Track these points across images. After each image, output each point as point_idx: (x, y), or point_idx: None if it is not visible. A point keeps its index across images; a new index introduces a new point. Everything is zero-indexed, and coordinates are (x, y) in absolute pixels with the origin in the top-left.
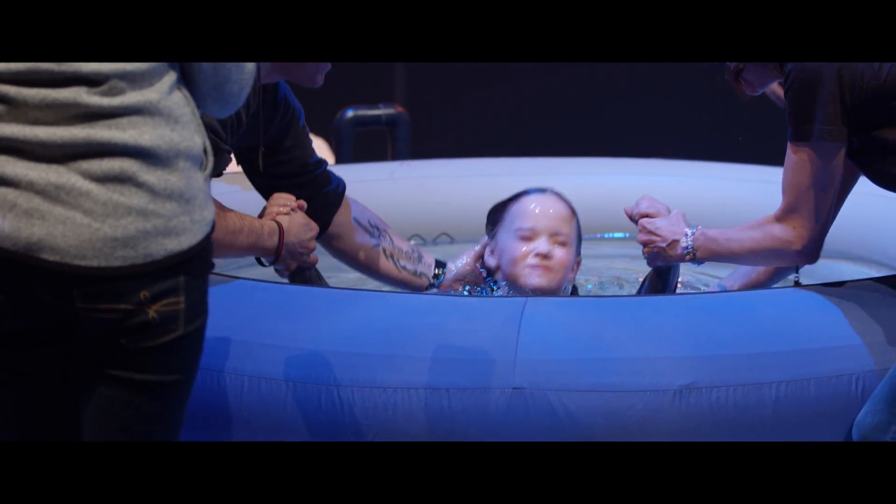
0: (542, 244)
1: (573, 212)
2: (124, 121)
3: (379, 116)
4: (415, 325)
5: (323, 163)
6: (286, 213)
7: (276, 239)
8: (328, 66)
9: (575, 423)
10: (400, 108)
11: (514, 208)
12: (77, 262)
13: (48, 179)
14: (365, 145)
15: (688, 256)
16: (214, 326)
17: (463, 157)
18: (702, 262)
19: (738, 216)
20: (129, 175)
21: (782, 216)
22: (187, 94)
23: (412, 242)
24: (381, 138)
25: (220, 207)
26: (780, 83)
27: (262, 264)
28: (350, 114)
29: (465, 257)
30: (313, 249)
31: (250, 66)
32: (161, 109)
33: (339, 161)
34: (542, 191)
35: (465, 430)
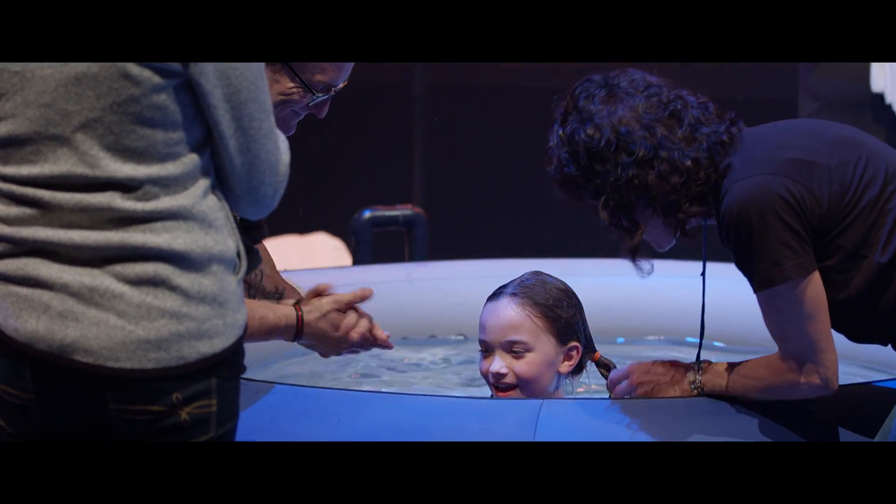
0: (495, 363)
1: (536, 306)
2: (158, 225)
3: (396, 217)
4: (430, 426)
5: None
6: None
7: (293, 330)
8: (300, 115)
9: None
10: (417, 209)
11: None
12: (110, 363)
13: (82, 282)
14: (382, 245)
15: (695, 392)
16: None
17: (479, 257)
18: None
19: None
20: (162, 278)
21: (788, 361)
22: (221, 197)
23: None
24: (398, 239)
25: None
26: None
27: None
28: (367, 214)
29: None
30: (349, 339)
31: (283, 169)
32: (195, 214)
33: (356, 262)
34: (497, 294)
35: None
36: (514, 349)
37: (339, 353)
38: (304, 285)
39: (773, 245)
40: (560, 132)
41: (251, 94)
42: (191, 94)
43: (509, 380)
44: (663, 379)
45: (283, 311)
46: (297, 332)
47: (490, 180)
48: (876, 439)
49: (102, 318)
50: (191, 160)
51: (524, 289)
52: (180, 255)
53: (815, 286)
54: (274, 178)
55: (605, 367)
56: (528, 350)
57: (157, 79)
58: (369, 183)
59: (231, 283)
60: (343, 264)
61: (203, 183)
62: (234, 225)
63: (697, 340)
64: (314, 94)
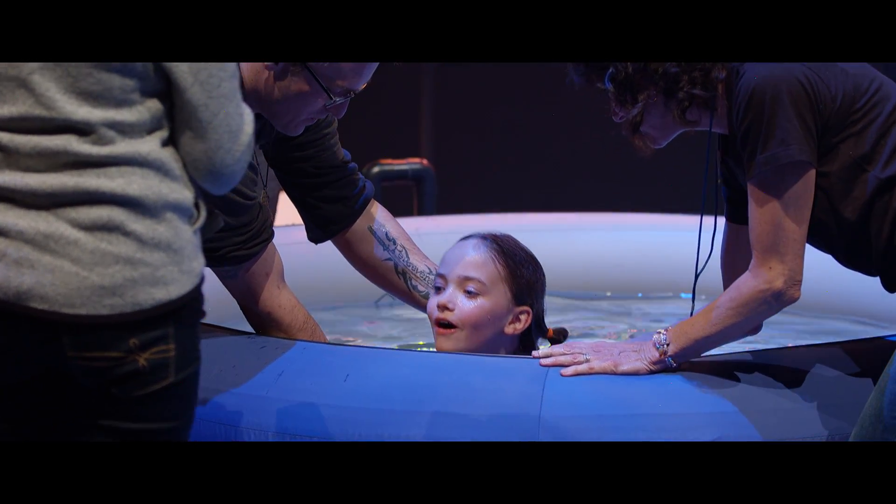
0: (445, 293)
1: (502, 254)
2: (113, 170)
3: (405, 171)
4: (439, 381)
5: (346, 168)
6: None
7: None
8: (303, 116)
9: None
10: (426, 163)
11: None
12: (66, 310)
13: (37, 228)
14: (391, 199)
15: (660, 353)
16: (241, 383)
17: (489, 212)
18: (677, 364)
19: None
20: (116, 224)
21: (757, 266)
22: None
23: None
24: (407, 193)
25: (306, 332)
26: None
27: None
28: (376, 168)
29: None
30: None
31: (245, 139)
32: (150, 161)
33: None
34: (469, 236)
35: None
36: (468, 288)
37: None
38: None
39: (784, 125)
40: None
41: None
42: None
43: (452, 318)
44: (624, 351)
45: None
46: None
47: (500, 133)
48: (877, 385)
49: (57, 265)
50: (147, 109)
51: (496, 237)
52: (135, 200)
53: (809, 181)
54: (232, 145)
55: (560, 333)
56: (482, 293)
57: None
58: (377, 136)
59: (186, 232)
60: None
61: (160, 133)
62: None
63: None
64: (332, 98)
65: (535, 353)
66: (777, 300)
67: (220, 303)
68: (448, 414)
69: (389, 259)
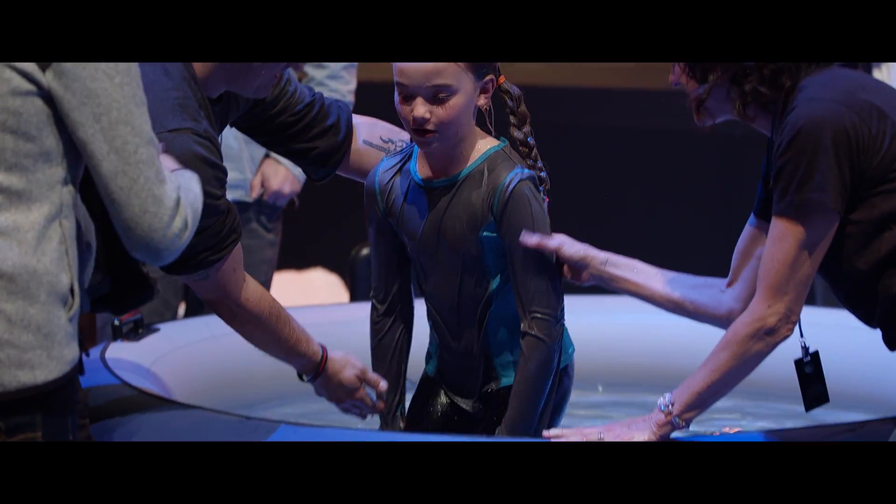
0: (418, 108)
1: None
2: None
3: None
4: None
5: (316, 101)
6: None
7: (318, 352)
8: (274, 75)
9: None
10: None
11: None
12: None
13: None
14: None
15: (667, 416)
16: None
17: None
18: (686, 423)
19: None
20: None
21: (759, 302)
22: (69, 232)
23: None
24: None
25: (276, 317)
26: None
27: (301, 378)
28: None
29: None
30: (355, 391)
31: (170, 203)
32: (31, 237)
33: (354, 298)
34: None
35: None
36: (438, 95)
37: (340, 401)
38: (302, 321)
39: (824, 171)
40: None
41: (122, 115)
42: (51, 109)
43: (431, 126)
44: (634, 422)
45: (313, 343)
46: (321, 359)
47: None
48: None
49: None
50: (38, 178)
51: None
52: (7, 276)
53: (833, 230)
54: (157, 209)
55: (507, 93)
56: (452, 94)
57: (17, 80)
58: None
59: (61, 317)
60: (341, 301)
61: (48, 207)
62: (73, 263)
63: None
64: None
65: (545, 432)
66: (770, 336)
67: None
68: None
69: None
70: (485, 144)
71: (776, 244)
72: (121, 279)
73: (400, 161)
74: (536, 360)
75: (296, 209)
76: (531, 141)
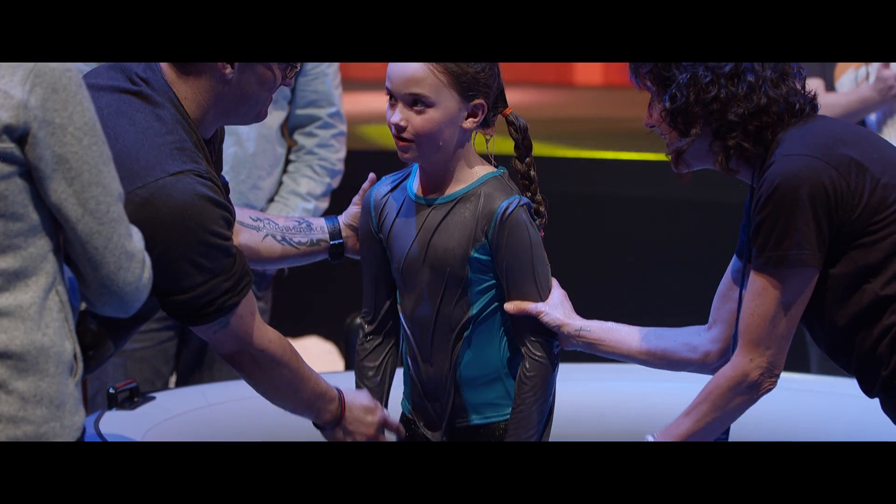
0: (395, 114)
1: (442, 64)
2: None
3: None
4: None
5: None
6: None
7: (336, 406)
8: (269, 99)
9: None
10: None
11: None
12: None
13: None
14: None
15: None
16: None
17: None
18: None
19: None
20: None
21: (741, 355)
22: (64, 297)
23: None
24: None
25: (296, 356)
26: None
27: (317, 427)
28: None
29: (353, 202)
30: (372, 434)
31: (139, 255)
32: (33, 313)
33: (349, 366)
34: None
35: None
36: (416, 104)
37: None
38: None
39: (802, 228)
40: None
41: (94, 177)
42: (31, 184)
43: (407, 135)
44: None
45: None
46: (339, 401)
47: None
48: None
49: None
50: (31, 254)
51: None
52: (17, 355)
53: (811, 286)
54: (130, 264)
55: (512, 125)
56: (430, 106)
57: None
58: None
59: (69, 385)
60: (336, 369)
61: (44, 279)
62: (73, 328)
63: None
64: (291, 67)
65: (506, 305)
66: (752, 390)
67: None
68: None
69: (266, 234)
70: (482, 169)
71: (756, 299)
72: (80, 339)
73: (400, 178)
74: (534, 381)
75: (285, 277)
76: (533, 174)
